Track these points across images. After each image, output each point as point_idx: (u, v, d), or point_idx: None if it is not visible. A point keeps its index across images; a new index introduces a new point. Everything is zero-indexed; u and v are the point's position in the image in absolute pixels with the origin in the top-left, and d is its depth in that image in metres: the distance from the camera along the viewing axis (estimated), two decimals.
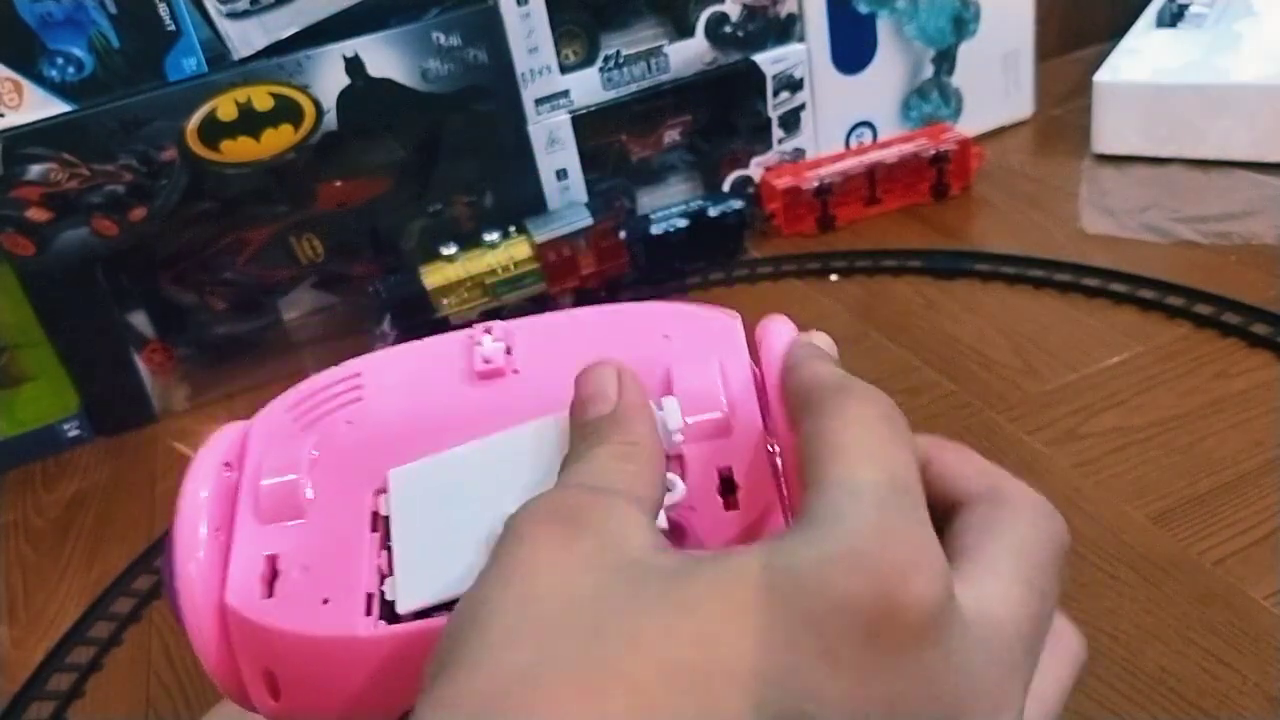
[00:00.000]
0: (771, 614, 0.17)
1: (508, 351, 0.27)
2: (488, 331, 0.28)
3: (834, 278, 0.78)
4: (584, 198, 0.83)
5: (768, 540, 0.19)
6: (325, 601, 0.24)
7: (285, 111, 0.72)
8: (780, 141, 0.88)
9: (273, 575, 0.25)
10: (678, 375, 0.26)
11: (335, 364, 0.29)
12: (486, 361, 0.27)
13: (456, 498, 0.24)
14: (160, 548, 0.63)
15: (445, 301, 0.76)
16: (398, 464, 0.26)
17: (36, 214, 0.69)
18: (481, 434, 0.26)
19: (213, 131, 0.71)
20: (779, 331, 0.26)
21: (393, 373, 0.28)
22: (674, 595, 0.17)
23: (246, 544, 0.25)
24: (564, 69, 0.79)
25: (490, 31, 0.75)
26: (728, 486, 0.24)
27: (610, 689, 0.16)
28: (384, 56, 0.73)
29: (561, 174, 0.82)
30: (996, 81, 0.94)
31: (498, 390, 0.27)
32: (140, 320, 0.80)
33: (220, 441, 0.27)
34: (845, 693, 0.16)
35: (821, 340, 0.25)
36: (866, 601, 0.17)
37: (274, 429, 0.27)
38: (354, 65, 0.72)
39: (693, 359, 0.26)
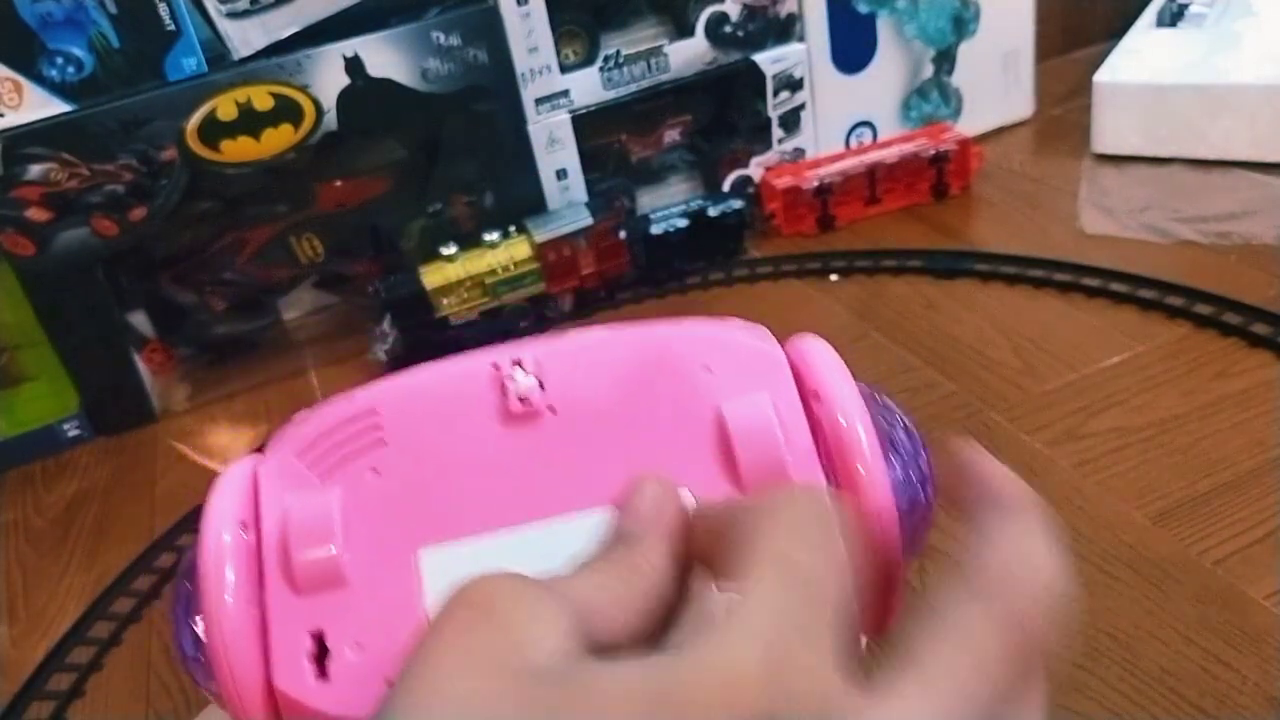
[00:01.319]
0: None
1: (540, 386, 0.25)
2: (518, 364, 0.26)
3: (834, 278, 0.78)
4: (584, 198, 0.83)
5: (657, 655, 0.18)
6: (390, 684, 0.23)
7: (285, 111, 0.72)
8: (780, 141, 0.88)
9: (321, 653, 0.23)
10: (732, 420, 0.24)
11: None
12: (522, 401, 0.25)
13: None
14: (160, 548, 0.63)
15: (445, 301, 0.76)
16: (436, 521, 0.24)
17: (36, 214, 0.69)
18: (521, 484, 0.24)
19: (213, 131, 0.71)
20: (823, 356, 0.25)
21: (415, 411, 0.25)
22: (560, 713, 0.16)
23: (285, 619, 0.23)
24: (564, 69, 0.79)
25: (490, 31, 0.75)
26: None
27: None
28: (384, 56, 0.73)
29: (561, 174, 0.82)
30: (996, 81, 0.94)
31: (535, 434, 0.25)
32: (140, 320, 0.80)
33: (229, 492, 0.25)
34: None
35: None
36: None
37: (290, 479, 0.25)
38: (354, 65, 0.72)
39: (741, 397, 0.25)
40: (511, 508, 0.24)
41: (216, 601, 0.23)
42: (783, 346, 0.26)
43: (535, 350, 0.26)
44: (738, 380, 0.25)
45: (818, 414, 0.25)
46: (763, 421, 0.24)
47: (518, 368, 0.26)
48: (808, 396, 0.25)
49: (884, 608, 0.23)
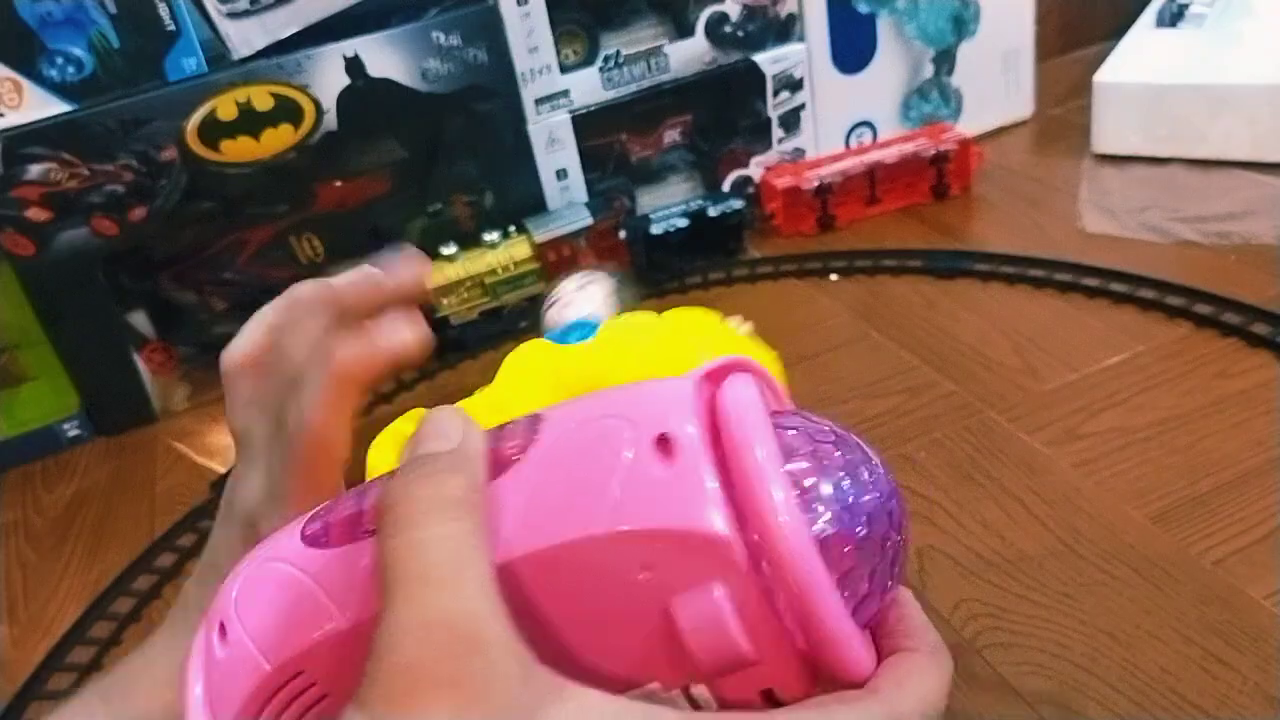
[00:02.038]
0: None
1: None
2: None
3: (834, 277, 0.78)
4: (584, 197, 0.83)
5: None
6: None
7: (285, 111, 0.72)
8: (780, 141, 0.88)
9: None
10: (683, 620, 0.23)
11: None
12: None
13: None
14: (160, 548, 0.63)
15: (445, 301, 0.76)
16: None
17: (36, 214, 0.69)
18: None
19: (213, 131, 0.71)
20: (747, 412, 0.23)
21: (340, 658, 0.24)
22: None
23: None
24: (564, 69, 0.79)
25: (490, 31, 0.75)
26: (772, 699, 0.23)
27: None
28: (384, 56, 0.73)
29: (561, 174, 0.82)
30: (996, 81, 0.94)
31: None
32: (140, 320, 0.80)
33: None
34: None
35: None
36: None
37: None
38: (354, 65, 0.72)
39: (687, 592, 0.23)
40: None
41: None
42: (712, 397, 0.24)
43: None
44: (679, 573, 0.23)
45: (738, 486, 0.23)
46: (716, 621, 0.23)
47: None
48: (732, 472, 0.23)
49: (839, 660, 0.23)
